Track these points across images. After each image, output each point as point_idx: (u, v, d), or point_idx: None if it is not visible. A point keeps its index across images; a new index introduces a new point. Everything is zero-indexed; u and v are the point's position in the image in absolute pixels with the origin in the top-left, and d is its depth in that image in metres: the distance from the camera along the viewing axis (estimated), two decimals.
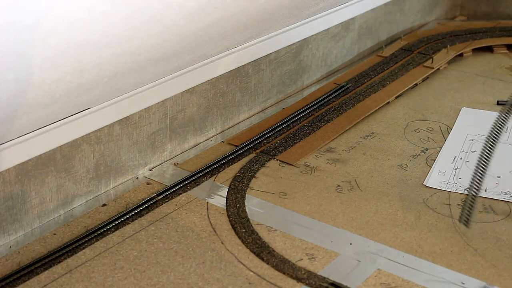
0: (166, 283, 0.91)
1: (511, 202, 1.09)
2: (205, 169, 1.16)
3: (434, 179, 1.15)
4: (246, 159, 1.20)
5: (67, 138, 1.02)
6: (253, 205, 1.07)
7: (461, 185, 1.13)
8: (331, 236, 1.01)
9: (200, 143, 1.26)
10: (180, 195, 1.10)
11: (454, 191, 1.12)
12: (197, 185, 1.12)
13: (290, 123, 1.31)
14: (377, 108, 1.37)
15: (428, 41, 1.65)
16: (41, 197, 1.02)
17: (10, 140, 0.94)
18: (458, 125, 1.32)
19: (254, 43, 1.30)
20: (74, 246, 0.97)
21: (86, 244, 0.98)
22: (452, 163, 1.19)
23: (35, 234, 1.01)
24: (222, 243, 0.99)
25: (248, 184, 1.13)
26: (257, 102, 1.38)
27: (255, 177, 1.15)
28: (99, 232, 1.00)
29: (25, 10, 0.69)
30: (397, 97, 1.43)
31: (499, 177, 1.15)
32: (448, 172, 1.17)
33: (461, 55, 1.61)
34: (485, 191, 1.11)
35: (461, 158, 1.20)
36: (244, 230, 1.01)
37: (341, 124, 1.32)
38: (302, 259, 0.96)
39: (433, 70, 1.53)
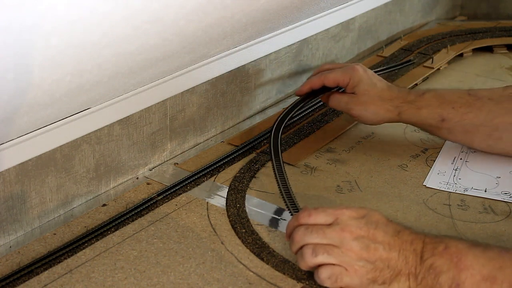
0: (166, 283, 0.91)
1: (511, 203, 1.09)
2: (205, 169, 1.16)
3: (434, 180, 1.15)
4: (246, 159, 1.20)
5: (67, 138, 1.02)
6: (253, 205, 1.07)
7: (461, 185, 1.13)
8: None
9: (200, 143, 1.26)
10: (180, 195, 1.10)
11: (454, 191, 1.12)
12: (197, 185, 1.12)
13: (290, 123, 1.31)
14: None
15: (428, 41, 1.65)
16: (41, 197, 1.02)
17: (10, 140, 0.94)
18: None
19: (254, 43, 1.30)
20: (74, 246, 0.97)
21: (86, 244, 0.98)
22: (452, 163, 1.19)
23: (35, 234, 1.01)
24: (222, 243, 0.99)
25: (248, 184, 1.13)
26: (257, 102, 1.38)
27: (255, 177, 1.15)
28: (99, 232, 1.00)
29: (26, 10, 0.69)
30: None
31: (499, 177, 1.15)
32: (448, 173, 1.17)
33: (461, 55, 1.61)
34: (485, 191, 1.11)
35: (461, 159, 1.20)
36: (244, 230, 1.01)
37: (341, 124, 1.32)
38: None
39: (433, 70, 1.53)
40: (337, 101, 1.19)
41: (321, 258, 0.86)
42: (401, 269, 0.85)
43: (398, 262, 0.85)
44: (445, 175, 1.16)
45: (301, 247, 0.88)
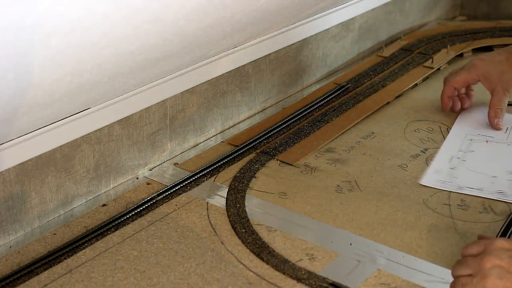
0: (166, 283, 0.91)
1: (511, 203, 1.09)
2: (205, 169, 1.16)
3: (429, 178, 1.15)
4: (246, 159, 1.20)
5: (67, 138, 1.02)
6: (253, 205, 1.07)
7: (457, 184, 1.13)
8: (331, 236, 1.01)
9: (200, 143, 1.26)
10: (180, 195, 1.10)
11: (449, 190, 1.12)
12: (197, 185, 1.12)
13: (290, 123, 1.31)
14: (377, 108, 1.37)
15: (428, 41, 1.65)
16: (41, 197, 1.02)
17: (10, 140, 0.94)
18: (458, 125, 1.32)
19: (254, 43, 1.30)
20: (74, 246, 0.97)
21: (86, 244, 0.98)
22: (449, 162, 1.19)
23: (35, 234, 1.01)
24: (222, 243, 0.99)
25: (248, 184, 1.13)
26: (257, 102, 1.38)
27: (255, 177, 1.15)
28: (99, 232, 1.00)
29: (26, 10, 0.69)
30: (397, 97, 1.43)
31: (495, 176, 1.15)
32: (445, 171, 1.17)
33: (461, 55, 1.61)
34: (481, 190, 1.11)
35: (458, 158, 1.20)
36: (244, 230, 1.01)
37: (341, 124, 1.31)
38: (302, 259, 0.96)
39: (433, 70, 1.52)
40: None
41: None
42: None
43: None
44: (442, 174, 1.16)
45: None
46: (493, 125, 1.29)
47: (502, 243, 0.86)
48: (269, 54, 1.36)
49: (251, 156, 1.21)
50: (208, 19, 0.96)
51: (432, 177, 1.15)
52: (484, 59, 1.31)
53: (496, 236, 1.00)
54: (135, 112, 1.11)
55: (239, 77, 1.31)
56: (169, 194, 1.09)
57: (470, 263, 0.85)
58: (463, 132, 1.29)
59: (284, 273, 0.93)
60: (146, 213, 1.05)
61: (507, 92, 1.28)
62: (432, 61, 1.55)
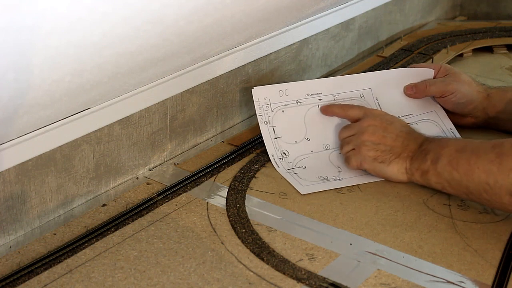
0: (166, 283, 0.91)
1: None
2: (205, 169, 1.16)
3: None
4: (246, 159, 1.20)
5: (67, 138, 1.02)
6: (253, 205, 1.07)
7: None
8: (331, 236, 1.01)
9: (200, 143, 1.26)
10: (180, 195, 1.10)
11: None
12: (197, 185, 1.12)
13: None
14: None
15: (428, 41, 1.65)
16: (41, 197, 1.02)
17: (10, 140, 0.94)
18: None
19: (254, 43, 1.30)
20: (74, 246, 0.97)
21: (86, 244, 0.98)
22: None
23: (35, 234, 1.01)
24: (222, 243, 0.99)
25: (248, 184, 1.13)
26: None
27: (255, 177, 1.15)
28: (99, 232, 1.00)
29: (25, 10, 0.69)
30: None
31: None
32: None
33: (461, 55, 1.61)
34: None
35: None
36: (244, 230, 1.01)
37: None
38: (302, 259, 0.96)
39: None
40: (435, 82, 1.25)
41: (346, 148, 1.12)
42: (401, 153, 1.08)
43: (400, 148, 1.08)
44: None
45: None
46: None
47: (379, 112, 1.13)
48: (269, 54, 1.36)
49: (251, 156, 1.21)
50: (208, 19, 0.96)
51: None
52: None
53: (506, 244, 1.00)
54: (135, 112, 1.12)
55: (239, 77, 1.31)
56: (169, 194, 1.09)
57: (353, 126, 1.12)
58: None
59: (284, 273, 0.93)
60: (146, 213, 1.05)
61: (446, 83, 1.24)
62: (432, 62, 1.55)
